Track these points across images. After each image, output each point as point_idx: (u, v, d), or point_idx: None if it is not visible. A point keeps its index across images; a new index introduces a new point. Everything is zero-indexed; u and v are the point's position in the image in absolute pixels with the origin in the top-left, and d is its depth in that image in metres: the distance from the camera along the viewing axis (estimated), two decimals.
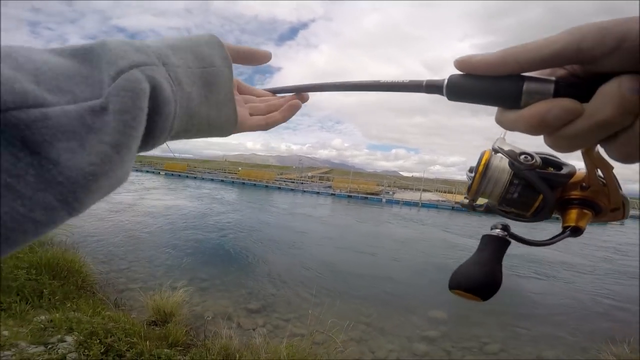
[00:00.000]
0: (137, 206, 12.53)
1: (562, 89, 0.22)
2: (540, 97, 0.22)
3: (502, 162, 0.32)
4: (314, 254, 7.73)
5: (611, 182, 0.29)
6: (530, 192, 0.31)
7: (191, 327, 3.49)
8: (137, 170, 37.26)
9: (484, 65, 0.23)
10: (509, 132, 0.30)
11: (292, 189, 28.42)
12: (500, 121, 0.25)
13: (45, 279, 3.35)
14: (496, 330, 4.26)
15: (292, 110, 0.39)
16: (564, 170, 0.30)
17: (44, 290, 3.14)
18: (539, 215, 0.32)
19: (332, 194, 26.81)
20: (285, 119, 0.39)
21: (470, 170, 0.33)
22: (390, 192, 32.03)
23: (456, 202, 25.40)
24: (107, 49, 0.21)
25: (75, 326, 2.55)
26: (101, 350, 2.32)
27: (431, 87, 0.27)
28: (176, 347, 2.97)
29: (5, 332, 2.29)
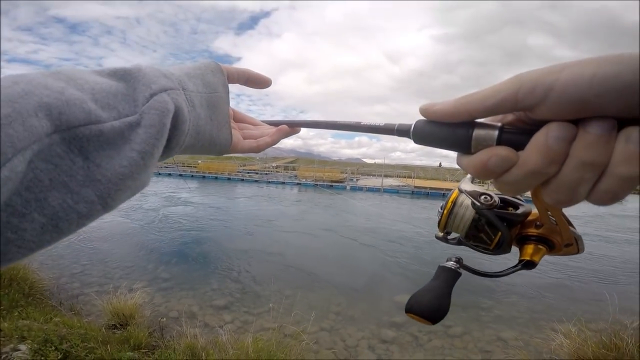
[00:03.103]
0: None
1: (504, 135, 0.23)
2: (486, 144, 0.24)
3: (467, 201, 0.36)
4: (280, 245, 7.71)
5: (561, 222, 0.32)
6: (490, 229, 0.35)
7: (154, 329, 3.37)
8: None
9: (442, 114, 0.25)
10: None
11: (256, 180, 27.93)
12: (459, 164, 0.27)
13: None
14: (458, 313, 4.43)
15: (281, 134, 0.44)
16: (520, 210, 0.34)
17: None
18: (500, 249, 0.35)
19: (298, 184, 26.78)
20: (274, 142, 0.44)
21: (442, 207, 0.37)
22: (354, 179, 32.66)
23: (415, 187, 26.56)
24: (142, 74, 0.26)
25: (27, 334, 2.41)
26: (59, 357, 2.24)
27: (401, 132, 0.30)
28: (139, 350, 2.86)
29: None
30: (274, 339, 2.93)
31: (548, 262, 7.57)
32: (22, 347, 2.28)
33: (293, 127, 0.45)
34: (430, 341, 3.79)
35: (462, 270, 0.36)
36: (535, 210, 0.34)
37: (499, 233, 0.34)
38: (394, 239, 9.13)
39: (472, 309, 4.68)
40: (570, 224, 0.33)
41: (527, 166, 0.22)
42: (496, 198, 0.34)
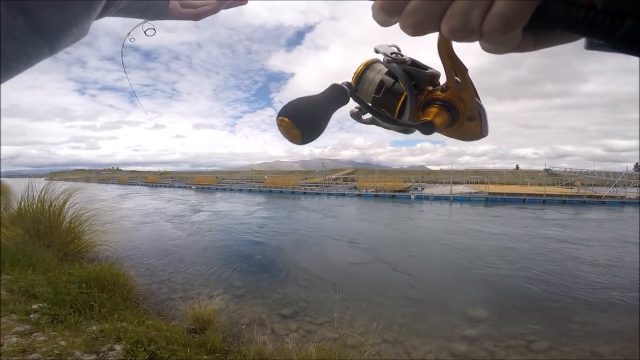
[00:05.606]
0: (169, 217, 13.16)
1: None
2: None
3: (380, 67, 0.37)
4: (344, 256, 7.74)
5: (466, 85, 0.31)
6: (396, 89, 0.35)
7: (228, 334, 3.62)
8: (169, 187, 39.04)
9: None
10: None
11: (317, 193, 28.49)
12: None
13: (94, 292, 3.56)
14: (543, 327, 4.02)
15: (222, 3, 0.45)
16: (428, 71, 0.34)
17: (94, 303, 3.33)
18: (404, 114, 0.34)
19: (358, 194, 26.59)
20: (214, 10, 0.45)
21: (354, 73, 0.38)
22: (419, 188, 31.32)
23: (490, 193, 24.44)
24: None
25: (122, 335, 2.71)
26: (145, 358, 2.47)
27: None
28: (214, 354, 3.10)
29: (63, 342, 2.49)
30: (335, 349, 2.95)
31: None
32: (117, 347, 2.57)
33: None
34: (508, 357, 3.45)
35: (350, 96, 0.34)
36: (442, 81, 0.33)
37: (404, 94, 0.34)
38: (467, 250, 8.54)
39: (560, 322, 4.18)
40: (476, 94, 0.32)
41: None
42: (407, 57, 0.34)
